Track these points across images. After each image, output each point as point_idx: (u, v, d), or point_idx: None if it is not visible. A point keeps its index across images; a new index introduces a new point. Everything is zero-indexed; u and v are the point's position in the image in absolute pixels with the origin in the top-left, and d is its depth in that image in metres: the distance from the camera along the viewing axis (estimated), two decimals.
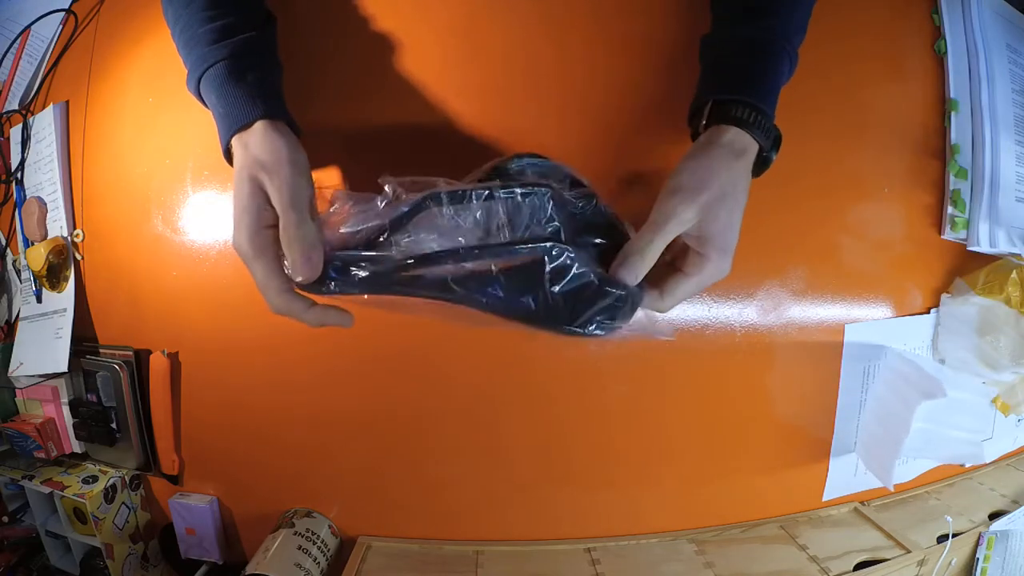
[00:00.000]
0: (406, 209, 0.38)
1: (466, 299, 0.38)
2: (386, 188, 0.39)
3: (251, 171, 0.39)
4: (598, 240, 0.41)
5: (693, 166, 0.41)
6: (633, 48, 0.54)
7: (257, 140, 0.40)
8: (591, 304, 0.39)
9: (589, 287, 0.39)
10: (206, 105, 0.44)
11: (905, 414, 0.57)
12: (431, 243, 0.37)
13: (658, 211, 0.40)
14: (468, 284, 0.38)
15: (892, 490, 0.61)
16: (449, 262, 0.37)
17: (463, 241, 0.37)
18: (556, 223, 0.39)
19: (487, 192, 0.38)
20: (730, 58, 0.45)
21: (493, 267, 0.38)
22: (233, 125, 0.40)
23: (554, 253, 0.37)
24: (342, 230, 0.38)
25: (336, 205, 0.40)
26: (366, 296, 0.39)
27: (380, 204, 0.38)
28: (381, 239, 0.38)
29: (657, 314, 0.44)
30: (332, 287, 0.38)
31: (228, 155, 0.42)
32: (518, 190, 0.38)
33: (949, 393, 0.55)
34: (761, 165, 0.45)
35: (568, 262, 0.38)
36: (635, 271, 0.40)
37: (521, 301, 0.38)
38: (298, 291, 0.39)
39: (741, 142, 0.42)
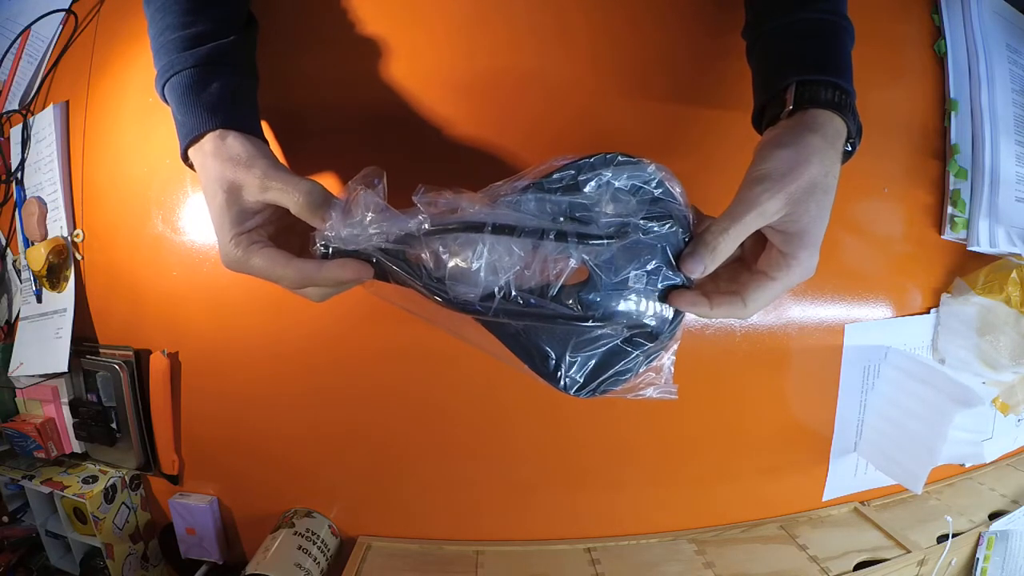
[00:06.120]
0: (450, 226, 0.35)
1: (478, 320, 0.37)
2: (419, 216, 0.36)
3: (224, 181, 0.38)
4: (651, 268, 0.37)
5: (781, 152, 0.37)
6: (640, 42, 0.54)
7: (214, 148, 0.39)
8: (604, 371, 0.37)
9: (610, 350, 0.37)
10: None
11: (937, 421, 0.57)
12: (459, 277, 0.35)
13: (739, 200, 0.36)
14: (488, 323, 0.37)
15: (919, 493, 0.61)
16: (477, 307, 0.36)
17: (494, 278, 0.35)
18: (608, 259, 0.36)
19: (539, 232, 0.35)
20: (802, 38, 0.41)
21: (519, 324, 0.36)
22: (188, 135, 0.40)
23: (584, 336, 0.36)
24: (372, 239, 0.37)
25: (365, 211, 0.37)
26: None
27: (412, 226, 0.36)
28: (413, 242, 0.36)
29: (664, 375, 0.39)
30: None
31: (186, 160, 0.42)
32: (572, 247, 0.35)
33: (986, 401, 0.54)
34: (843, 156, 0.40)
35: (597, 334, 0.36)
36: (703, 264, 0.36)
37: (533, 356, 0.37)
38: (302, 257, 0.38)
39: (834, 127, 0.38)
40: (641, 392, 0.39)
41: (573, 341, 0.37)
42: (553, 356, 0.37)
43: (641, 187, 0.37)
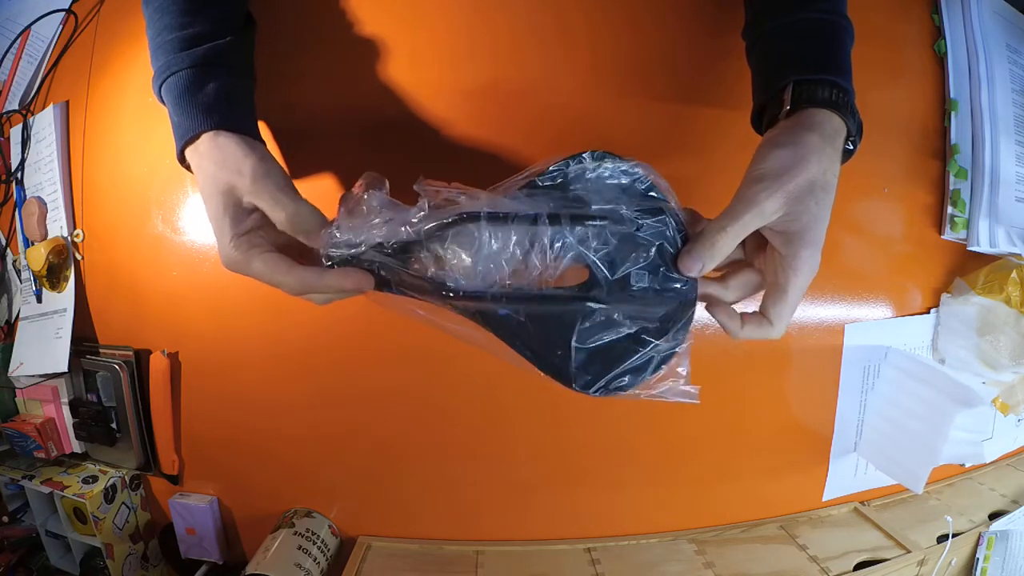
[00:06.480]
0: (447, 220, 0.36)
1: (482, 325, 0.37)
2: (420, 202, 0.36)
3: (219, 183, 0.38)
4: (652, 265, 0.37)
5: (779, 152, 0.37)
6: (641, 42, 0.54)
7: (209, 150, 0.39)
8: (614, 366, 0.36)
9: (618, 345, 0.36)
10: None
11: (938, 421, 0.57)
12: (460, 272, 0.36)
13: (738, 199, 0.37)
14: (488, 319, 0.36)
15: (920, 493, 0.61)
16: (472, 301, 0.36)
17: (493, 268, 0.35)
18: (606, 253, 0.36)
19: (533, 218, 0.35)
20: (801, 38, 0.41)
21: (519, 315, 0.36)
22: (184, 135, 0.40)
23: (588, 322, 0.36)
24: (376, 238, 0.37)
25: (369, 208, 0.37)
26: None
27: (414, 219, 0.36)
28: (414, 245, 0.37)
29: (681, 376, 0.39)
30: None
31: (183, 162, 0.42)
32: (566, 227, 0.35)
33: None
34: (843, 154, 0.40)
35: (602, 320, 0.36)
36: (702, 262, 0.36)
37: (539, 352, 0.36)
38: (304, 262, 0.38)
39: (832, 125, 0.38)
40: (656, 392, 0.38)
41: (577, 329, 0.36)
42: (559, 348, 0.36)
43: (632, 182, 0.38)
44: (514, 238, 0.35)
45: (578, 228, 0.36)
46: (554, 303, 0.36)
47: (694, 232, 0.38)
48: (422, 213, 0.36)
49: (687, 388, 0.38)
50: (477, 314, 0.37)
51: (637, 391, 0.37)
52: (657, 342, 0.37)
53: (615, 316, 0.36)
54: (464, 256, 0.36)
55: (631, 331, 0.37)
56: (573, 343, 0.36)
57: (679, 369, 0.38)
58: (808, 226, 0.37)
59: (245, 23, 0.45)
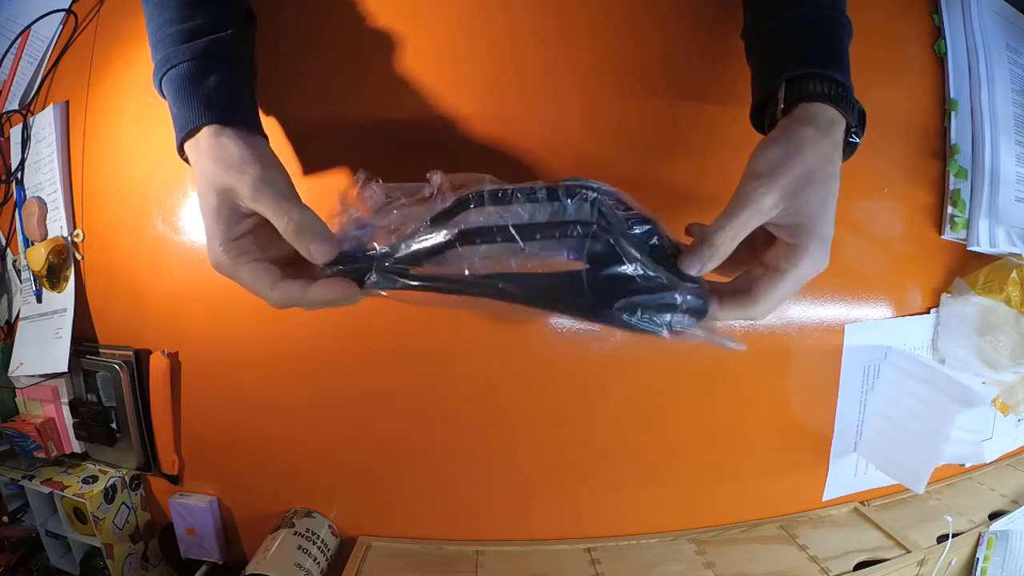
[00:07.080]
0: (448, 205, 0.36)
1: (495, 286, 0.36)
2: (435, 178, 0.37)
3: (216, 183, 0.37)
4: (650, 263, 0.37)
5: (773, 148, 0.37)
6: (640, 42, 0.54)
7: (209, 147, 0.38)
8: (633, 295, 0.36)
9: (634, 281, 0.36)
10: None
11: (939, 421, 0.56)
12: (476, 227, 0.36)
13: (735, 198, 0.37)
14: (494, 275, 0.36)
15: (921, 493, 0.61)
16: (480, 240, 0.36)
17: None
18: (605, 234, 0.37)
19: (530, 191, 0.36)
20: (797, 36, 0.41)
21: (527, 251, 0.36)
22: (184, 127, 0.40)
23: (595, 246, 0.35)
24: (392, 226, 0.37)
25: (386, 199, 0.38)
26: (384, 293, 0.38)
27: (428, 194, 0.37)
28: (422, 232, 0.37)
29: (715, 326, 0.38)
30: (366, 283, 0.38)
31: (182, 154, 0.42)
32: (564, 196, 0.36)
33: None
34: (847, 147, 0.40)
35: (613, 250, 0.35)
36: (701, 261, 0.36)
37: (556, 290, 0.36)
38: (291, 276, 0.38)
39: (826, 116, 0.38)
40: (690, 332, 0.37)
41: (587, 259, 0.36)
42: (572, 280, 0.36)
43: (617, 201, 0.39)
44: (518, 211, 0.36)
45: (574, 200, 0.36)
46: (564, 229, 0.36)
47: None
48: (438, 190, 0.37)
49: (724, 337, 0.37)
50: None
51: (663, 328, 0.36)
52: (673, 291, 0.37)
53: (624, 260, 0.36)
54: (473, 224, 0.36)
55: (643, 274, 0.36)
56: (585, 273, 0.35)
57: (711, 323, 0.38)
58: (811, 219, 0.37)
59: (246, 19, 0.45)
